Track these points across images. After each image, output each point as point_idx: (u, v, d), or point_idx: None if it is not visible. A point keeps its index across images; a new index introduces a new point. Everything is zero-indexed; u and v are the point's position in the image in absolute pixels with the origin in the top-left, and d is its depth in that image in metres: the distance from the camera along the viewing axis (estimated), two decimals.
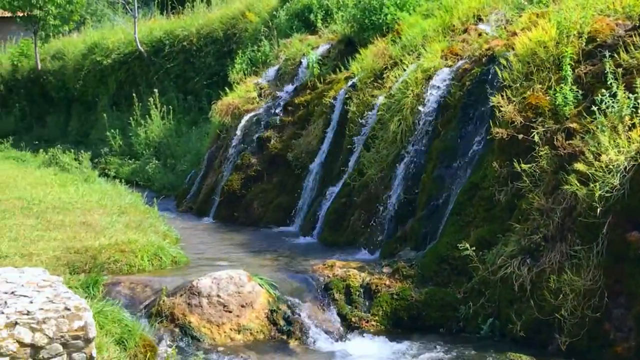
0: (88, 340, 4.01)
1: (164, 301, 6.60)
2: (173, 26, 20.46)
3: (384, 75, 9.85)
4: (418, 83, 8.83)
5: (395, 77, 9.52)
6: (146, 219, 9.88)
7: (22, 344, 3.84)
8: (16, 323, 3.80)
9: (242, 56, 14.80)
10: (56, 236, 8.34)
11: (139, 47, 20.65)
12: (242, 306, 6.65)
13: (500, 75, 7.72)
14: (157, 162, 16.30)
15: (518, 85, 7.61)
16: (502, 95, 7.50)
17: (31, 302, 4.03)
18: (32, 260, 7.27)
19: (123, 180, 14.30)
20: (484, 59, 8.37)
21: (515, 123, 7.23)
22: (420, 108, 8.60)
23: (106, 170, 16.62)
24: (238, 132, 12.21)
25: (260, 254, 8.84)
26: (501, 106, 7.42)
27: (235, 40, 17.73)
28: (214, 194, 12.12)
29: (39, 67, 25.68)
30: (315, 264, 7.75)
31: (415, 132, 8.57)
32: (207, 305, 6.58)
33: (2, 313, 3.85)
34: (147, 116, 18.19)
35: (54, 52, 25.88)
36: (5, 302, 4.01)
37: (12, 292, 4.21)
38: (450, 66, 8.83)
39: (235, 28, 17.96)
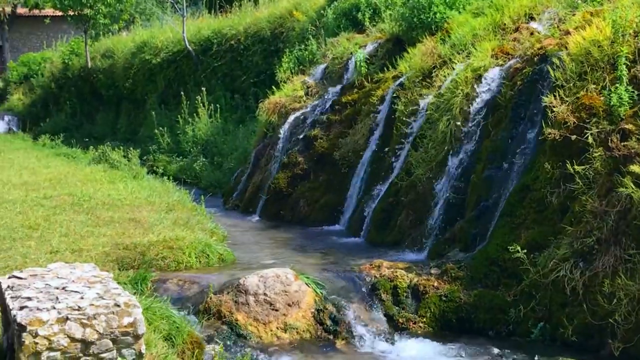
0: (137, 337, 4.03)
1: (211, 298, 6.63)
2: (221, 25, 20.59)
3: (433, 75, 9.74)
4: (468, 82, 8.70)
5: (445, 76, 9.40)
6: (193, 216, 9.97)
7: (72, 339, 3.88)
8: (67, 318, 3.84)
9: (289, 55, 14.80)
10: (105, 232, 8.46)
11: (187, 46, 20.84)
12: (289, 305, 6.64)
13: (553, 75, 7.55)
14: (204, 159, 16.42)
15: (571, 85, 7.44)
16: (554, 95, 7.34)
17: (82, 298, 4.07)
18: (82, 256, 7.38)
19: (171, 178, 14.49)
20: (535, 58, 8.20)
21: (568, 124, 7.06)
22: (469, 108, 8.46)
23: (154, 168, 16.80)
24: (285, 131, 12.21)
25: (307, 253, 8.83)
26: (554, 106, 7.26)
27: (283, 39, 17.75)
28: (260, 192, 12.15)
29: (89, 65, 26.14)
30: (362, 263, 7.70)
31: (465, 132, 8.43)
32: (254, 304, 6.58)
33: (54, 308, 3.89)
34: (194, 114, 18.37)
35: (103, 50, 26.31)
36: (57, 298, 4.06)
37: (63, 288, 4.26)
38: (501, 65, 8.68)
39: (283, 27, 17.98)
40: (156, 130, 19.25)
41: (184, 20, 21.03)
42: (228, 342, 6.26)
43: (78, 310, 3.91)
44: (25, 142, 22.72)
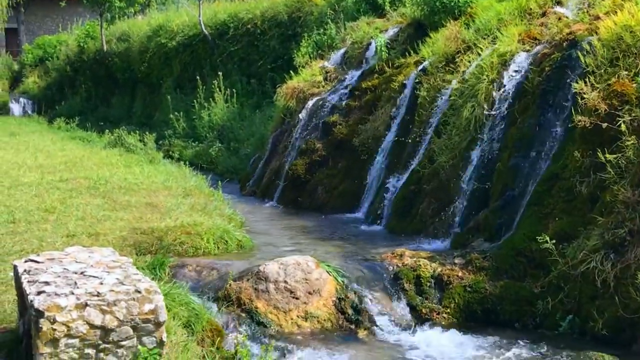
0: (158, 324, 3.89)
1: (230, 285, 6.48)
2: (237, 9, 20.39)
3: (457, 60, 9.51)
4: (493, 68, 8.48)
5: (469, 61, 9.17)
6: (211, 201, 9.83)
7: (92, 326, 3.74)
8: (86, 304, 3.70)
9: (307, 39, 14.59)
10: (122, 216, 8.34)
11: (204, 29, 20.65)
12: (310, 293, 6.48)
13: (583, 61, 7.32)
14: (220, 145, 16.28)
15: (602, 71, 7.21)
16: (585, 82, 7.11)
17: (101, 284, 3.92)
18: (99, 240, 7.26)
19: (187, 163, 14.36)
20: (564, 44, 7.96)
21: (599, 111, 6.84)
22: (495, 94, 8.24)
23: (170, 152, 16.68)
24: (303, 116, 12.02)
25: (326, 241, 8.66)
26: (584, 93, 7.03)
27: (300, 23, 17.53)
28: (278, 178, 11.98)
29: (105, 49, 26.02)
30: (384, 252, 7.53)
31: (490, 119, 8.22)
32: (274, 291, 6.43)
33: (72, 294, 3.75)
34: (210, 99, 18.20)
35: (119, 34, 26.18)
36: (75, 283, 3.92)
37: (82, 273, 4.11)
38: (527, 51, 8.45)
39: (301, 11, 17.75)
40: (171, 115, 19.12)
41: (200, 4, 20.83)
42: (248, 330, 6.11)
43: (97, 296, 3.76)
44: (40, 125, 22.67)
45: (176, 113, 19.14)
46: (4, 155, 13.25)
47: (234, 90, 17.87)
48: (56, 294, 3.74)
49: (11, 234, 7.28)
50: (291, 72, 13.61)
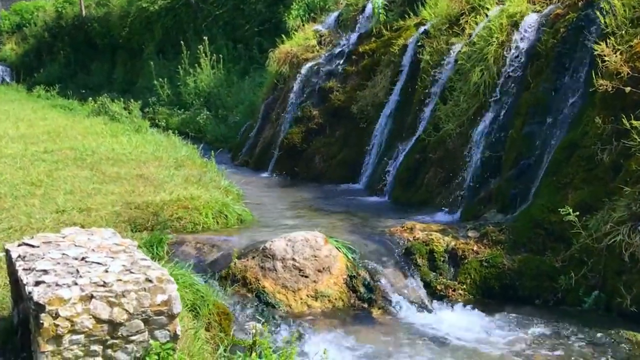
0: (172, 317, 3.49)
1: (235, 264, 6.08)
2: None
3: (461, 22, 9.07)
4: (503, 30, 8.05)
5: (475, 23, 8.73)
6: (204, 173, 9.38)
7: (98, 320, 3.33)
8: (92, 296, 3.29)
9: (299, 2, 14.05)
10: (113, 190, 7.88)
11: None
12: (319, 271, 6.10)
13: (603, 21, 6.91)
14: (208, 113, 15.78)
15: (623, 32, 6.80)
16: (605, 43, 6.71)
17: (106, 271, 3.51)
18: (91, 216, 6.83)
19: (174, 131, 13.87)
20: (580, 3, 7.54)
21: (622, 74, 6.45)
22: (506, 57, 7.83)
23: (156, 121, 16.14)
24: (297, 83, 11.56)
25: (329, 214, 8.27)
26: (605, 55, 6.63)
27: None
28: (272, 147, 11.56)
29: (84, 14, 25.22)
30: (392, 225, 7.16)
31: (501, 84, 7.82)
32: (282, 270, 6.04)
33: (76, 284, 3.33)
34: (195, 65, 17.62)
35: None
36: (77, 271, 3.50)
37: (83, 259, 3.70)
38: (538, 11, 8.02)
39: None
40: (155, 82, 18.55)
41: None
42: (255, 312, 5.73)
43: (104, 286, 3.35)
44: (19, 93, 21.99)
45: (160, 79, 18.56)
46: None
47: (220, 55, 17.30)
48: (57, 285, 3.32)
49: None
50: (283, 36, 13.10)
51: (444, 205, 7.94)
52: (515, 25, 8.01)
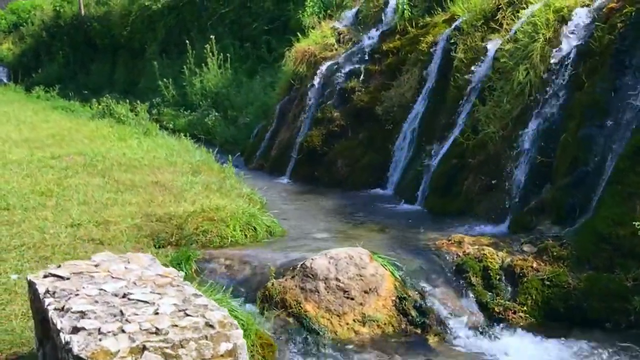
0: None
1: (272, 284, 5.48)
2: None
3: (498, 17, 8.49)
4: (550, 25, 7.46)
5: (515, 17, 8.15)
6: (223, 179, 8.79)
7: None
8: (144, 348, 2.69)
9: None
10: (130, 199, 7.29)
11: None
12: (365, 292, 5.51)
13: None
14: (216, 114, 15.15)
15: None
16: None
17: (157, 313, 2.91)
18: (110, 230, 6.24)
19: (180, 133, 13.29)
20: None
21: None
22: (554, 55, 7.25)
23: (163, 123, 15.51)
24: (316, 83, 10.96)
25: (361, 224, 7.68)
26: None
27: None
28: (289, 150, 10.96)
29: (83, 13, 24.57)
30: (437, 238, 6.57)
31: (549, 83, 7.23)
32: (325, 291, 5.45)
33: (123, 331, 2.73)
34: (202, 65, 17.00)
35: None
36: (122, 313, 2.90)
37: (125, 295, 3.10)
38: (587, 5, 7.44)
39: None
40: (160, 82, 17.91)
41: None
42: (298, 339, 5.14)
43: (157, 334, 2.75)
44: (17, 94, 21.35)
45: (164, 80, 17.92)
46: None
47: (227, 55, 16.67)
48: (100, 332, 2.72)
49: (7, 225, 6.20)
50: (297, 34, 12.48)
51: (487, 215, 7.34)
52: (562, 20, 7.43)
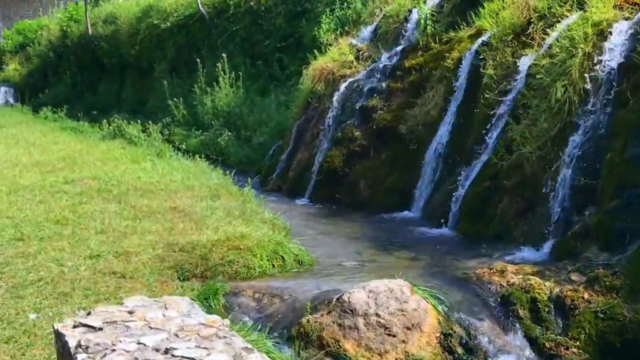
0: None
1: (308, 321, 5.11)
2: None
3: (529, 31, 8.15)
4: (588, 39, 7.12)
5: (547, 32, 7.82)
6: (243, 203, 8.44)
7: None
8: None
9: (329, 15, 13.13)
10: (150, 227, 6.93)
11: (200, 8, 19.11)
12: (408, 328, 5.13)
13: None
14: (229, 133, 14.80)
15: None
16: None
17: None
18: (131, 262, 5.87)
19: (192, 153, 12.95)
20: None
21: None
22: (594, 70, 6.90)
23: (175, 143, 15.14)
24: (335, 101, 10.62)
25: (391, 251, 7.30)
26: None
27: None
28: (308, 171, 10.60)
29: (90, 32, 24.31)
30: (475, 266, 6.21)
31: (590, 101, 6.88)
32: (364, 328, 5.07)
33: None
34: (213, 83, 16.68)
35: (105, 16, 24.48)
36: None
37: (168, 351, 2.72)
38: (628, 18, 7.10)
39: None
40: (170, 102, 17.58)
41: None
42: None
43: None
44: (25, 115, 21.04)
45: (174, 99, 17.60)
46: None
47: (239, 73, 16.36)
48: None
49: (22, 257, 5.84)
50: (314, 51, 12.15)
51: (525, 240, 6.96)
52: (601, 34, 7.09)
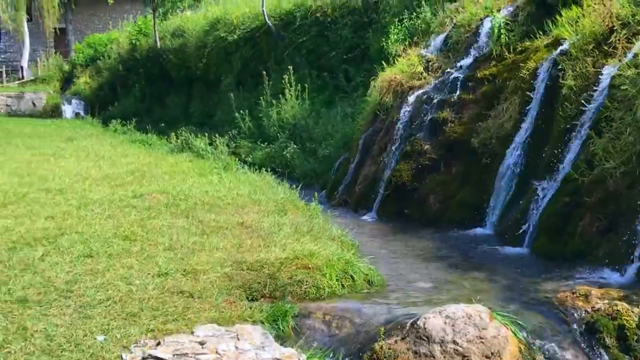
0: None
1: (381, 347, 4.88)
2: None
3: (611, 40, 7.75)
4: None
5: (630, 40, 7.41)
6: (310, 218, 8.28)
7: None
8: None
9: (397, 26, 12.90)
10: (217, 244, 6.83)
11: (267, 21, 19.13)
12: (487, 357, 4.84)
13: None
14: (294, 146, 14.69)
15: None
16: None
17: None
18: (199, 281, 5.76)
19: (257, 166, 12.90)
20: None
21: None
22: None
23: (241, 156, 15.13)
24: (404, 113, 10.37)
25: (464, 270, 6.99)
26: None
27: (377, 9, 15.86)
28: (375, 185, 10.37)
29: (158, 45, 24.70)
30: (556, 289, 5.89)
31: None
32: (441, 356, 4.81)
33: None
34: (279, 96, 16.65)
35: (173, 29, 24.85)
36: None
37: None
38: None
39: None
40: (236, 114, 17.63)
41: None
42: None
43: None
44: (94, 127, 21.47)
45: (240, 111, 17.64)
46: (65, 164, 11.91)
47: (305, 85, 16.27)
48: None
49: (90, 274, 5.80)
50: (382, 62, 11.94)
51: (609, 261, 6.56)
52: None
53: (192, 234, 7.18)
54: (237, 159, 13.73)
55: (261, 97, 17.39)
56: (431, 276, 6.80)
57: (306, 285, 5.91)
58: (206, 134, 15.75)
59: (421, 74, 10.76)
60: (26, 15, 32.44)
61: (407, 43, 12.13)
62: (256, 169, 12.65)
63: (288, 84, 16.13)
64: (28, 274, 5.71)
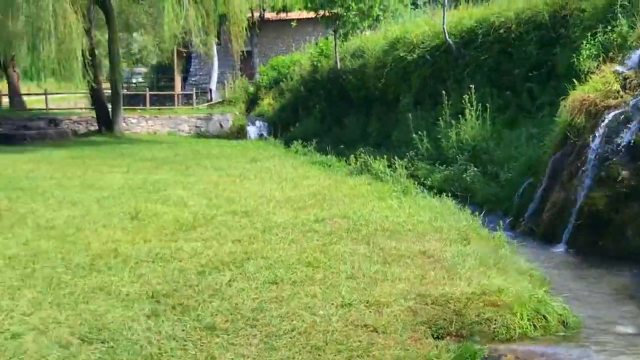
0: None
1: None
2: (486, 13, 18.31)
3: None
4: None
5: None
6: (495, 248, 7.89)
7: None
8: None
9: (590, 40, 12.12)
10: (399, 274, 6.65)
11: (447, 39, 18.83)
12: None
13: None
14: (475, 169, 14.22)
15: None
16: None
17: None
18: (383, 314, 5.62)
19: (436, 189, 12.60)
20: None
21: None
22: None
23: (419, 178, 14.89)
24: (598, 136, 9.65)
25: None
26: None
27: (566, 23, 15.02)
28: (565, 214, 9.71)
29: (338, 66, 25.17)
30: None
31: None
32: None
33: None
34: (458, 115, 16.26)
35: (353, 50, 25.25)
36: None
37: None
38: None
39: (566, 9, 15.24)
40: (414, 135, 17.45)
41: (445, 10, 18.99)
42: None
43: None
44: (277, 148, 22.23)
45: (418, 132, 17.44)
46: (250, 186, 12.34)
47: (485, 104, 15.76)
48: None
49: (275, 302, 5.84)
50: (574, 80, 11.22)
51: None
52: None
53: (373, 262, 7.07)
54: (415, 182, 13.54)
55: (440, 117, 17.10)
56: (632, 320, 6.18)
57: (495, 324, 5.57)
58: (385, 156, 15.70)
59: (617, 92, 9.98)
60: (216, 40, 34.42)
61: (600, 59, 11.33)
62: (435, 193, 12.39)
63: (468, 104, 15.71)
64: (216, 300, 5.84)
